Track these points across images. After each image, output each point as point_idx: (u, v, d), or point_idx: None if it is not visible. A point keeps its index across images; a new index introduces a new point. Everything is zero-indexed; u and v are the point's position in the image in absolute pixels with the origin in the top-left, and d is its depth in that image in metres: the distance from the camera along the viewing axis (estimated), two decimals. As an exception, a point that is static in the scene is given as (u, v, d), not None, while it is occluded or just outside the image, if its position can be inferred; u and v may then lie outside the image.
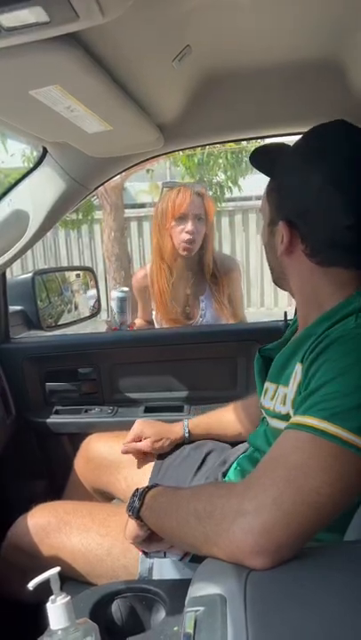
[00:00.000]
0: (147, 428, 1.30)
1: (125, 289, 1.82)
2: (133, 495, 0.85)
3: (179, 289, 1.83)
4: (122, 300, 1.78)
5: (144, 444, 1.27)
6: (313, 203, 0.77)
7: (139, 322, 2.01)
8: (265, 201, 0.91)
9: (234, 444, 1.23)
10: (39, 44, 0.63)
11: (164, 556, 0.88)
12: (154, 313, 1.93)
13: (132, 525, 0.85)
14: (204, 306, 1.86)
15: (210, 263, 1.83)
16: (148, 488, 0.84)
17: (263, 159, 0.93)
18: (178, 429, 1.30)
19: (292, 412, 0.77)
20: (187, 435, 1.29)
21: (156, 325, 1.94)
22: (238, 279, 1.95)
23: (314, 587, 0.55)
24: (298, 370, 0.77)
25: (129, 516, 0.84)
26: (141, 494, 0.83)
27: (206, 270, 1.84)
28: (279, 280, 0.93)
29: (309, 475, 0.61)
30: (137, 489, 0.85)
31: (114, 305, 1.78)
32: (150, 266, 1.90)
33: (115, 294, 1.79)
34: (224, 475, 1.10)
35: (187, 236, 1.73)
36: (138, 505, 0.82)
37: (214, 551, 0.64)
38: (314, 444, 0.62)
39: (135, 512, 0.82)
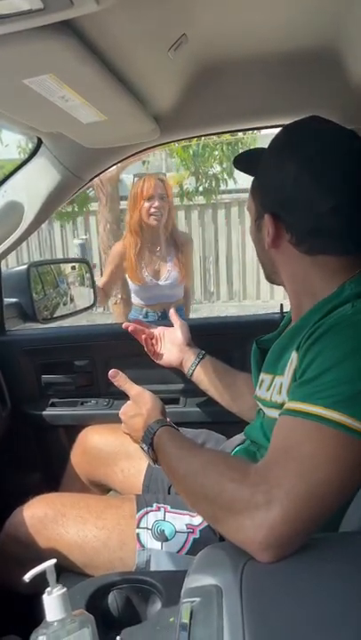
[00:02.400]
0: (166, 338, 1.37)
1: (84, 237, 2.50)
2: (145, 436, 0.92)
3: (149, 254, 2.38)
4: (82, 246, 2.46)
5: (155, 345, 1.37)
6: (291, 191, 0.79)
7: (101, 281, 2.47)
8: (250, 199, 0.93)
9: (229, 435, 1.23)
10: (33, 31, 0.62)
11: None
12: (127, 276, 2.43)
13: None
14: (170, 267, 2.39)
15: (173, 231, 2.41)
16: (153, 432, 0.90)
17: (246, 161, 0.96)
18: (189, 358, 1.32)
19: (287, 400, 0.77)
20: (191, 370, 1.31)
21: (130, 287, 2.44)
22: (191, 250, 2.60)
23: (310, 577, 0.56)
24: (293, 358, 0.77)
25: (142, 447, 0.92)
26: (149, 439, 0.89)
27: (170, 238, 2.39)
28: (271, 275, 0.94)
29: (320, 467, 0.61)
30: (149, 427, 0.92)
31: (77, 251, 2.46)
32: (125, 240, 2.43)
33: (76, 242, 2.41)
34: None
35: (154, 210, 2.30)
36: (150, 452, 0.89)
37: (222, 531, 0.66)
38: (322, 434, 0.62)
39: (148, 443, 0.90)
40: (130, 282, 2.42)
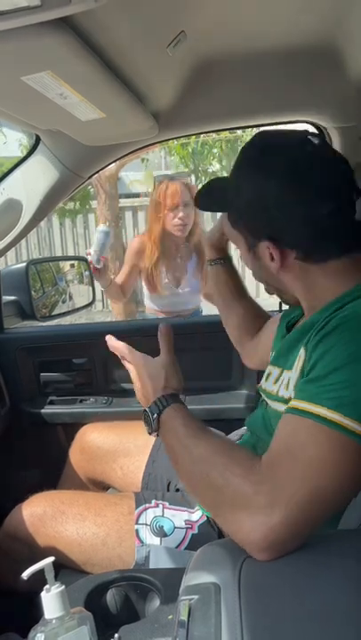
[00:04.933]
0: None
1: (108, 227, 2.13)
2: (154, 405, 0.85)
3: (169, 261, 2.17)
4: (106, 234, 2.04)
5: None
6: (280, 208, 0.77)
7: (118, 279, 2.26)
8: (233, 232, 0.90)
9: (228, 430, 1.22)
10: (31, 28, 0.62)
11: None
12: (143, 281, 2.22)
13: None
14: (191, 275, 2.20)
15: (199, 239, 2.14)
16: (165, 405, 0.84)
17: (212, 198, 0.93)
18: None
19: (293, 395, 0.76)
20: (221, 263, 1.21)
21: (145, 292, 2.23)
22: None
23: (308, 575, 0.56)
24: (301, 354, 0.76)
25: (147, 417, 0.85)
26: (159, 409, 0.84)
27: (194, 247, 2.18)
28: (287, 298, 0.91)
29: (323, 472, 0.61)
30: (163, 396, 0.85)
31: (98, 238, 2.02)
32: (144, 243, 2.18)
33: (101, 228, 2.06)
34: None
35: (179, 222, 2.07)
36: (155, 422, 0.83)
37: (220, 522, 0.66)
38: (326, 436, 0.62)
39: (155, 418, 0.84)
40: (145, 289, 2.25)
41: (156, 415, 0.83)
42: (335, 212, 0.76)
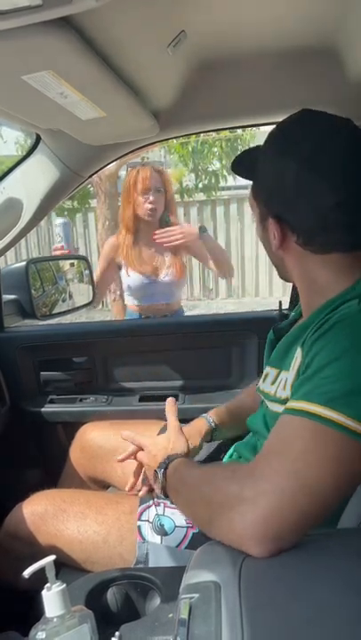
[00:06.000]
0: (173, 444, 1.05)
1: (66, 218, 2.43)
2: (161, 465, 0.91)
3: (145, 250, 2.17)
4: (65, 225, 2.35)
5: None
6: (293, 191, 0.77)
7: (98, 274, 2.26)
8: (252, 200, 0.91)
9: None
10: (32, 27, 0.62)
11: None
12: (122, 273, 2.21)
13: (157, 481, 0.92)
14: (169, 263, 2.17)
15: (175, 224, 2.12)
16: (170, 460, 0.90)
17: (243, 165, 0.94)
18: (201, 426, 1.19)
19: (290, 396, 0.77)
20: (213, 425, 1.19)
21: (124, 278, 2.20)
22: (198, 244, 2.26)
23: (308, 574, 0.56)
24: (298, 355, 0.77)
25: (157, 478, 0.91)
26: (165, 465, 0.90)
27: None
28: (285, 275, 0.92)
29: (311, 463, 0.61)
30: (168, 457, 0.92)
31: (59, 230, 2.42)
32: (119, 235, 2.22)
33: (59, 221, 2.36)
34: (219, 463, 1.11)
35: (149, 206, 2.08)
36: (162, 476, 0.89)
37: (216, 534, 0.65)
38: (315, 432, 0.62)
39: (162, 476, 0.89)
40: (124, 280, 2.21)
41: (163, 470, 0.89)
42: (342, 207, 0.75)
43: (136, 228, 2.14)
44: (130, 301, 2.25)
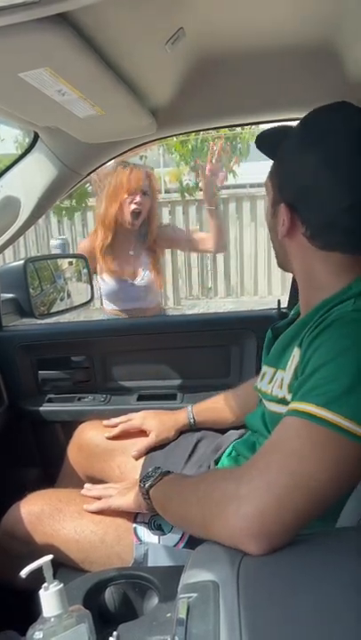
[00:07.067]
0: (149, 420, 1.30)
1: (63, 237, 2.56)
2: (150, 473, 0.93)
3: (121, 251, 2.16)
4: (62, 246, 2.77)
5: (150, 440, 1.26)
6: (311, 184, 0.77)
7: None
8: (268, 181, 0.90)
9: (225, 430, 1.23)
10: (29, 24, 0.61)
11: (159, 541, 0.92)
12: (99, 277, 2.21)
13: (137, 497, 0.93)
14: (145, 266, 2.18)
15: (153, 231, 2.17)
16: (165, 473, 0.91)
17: (267, 141, 0.92)
18: (182, 417, 1.29)
19: (288, 397, 0.77)
20: (192, 421, 1.28)
21: (99, 279, 2.20)
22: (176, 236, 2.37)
23: (306, 573, 0.56)
24: (296, 354, 0.77)
25: (140, 487, 0.92)
26: (158, 475, 0.91)
27: (149, 237, 2.17)
28: (284, 263, 0.93)
29: (304, 461, 0.62)
30: (157, 467, 0.94)
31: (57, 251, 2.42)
32: (92, 236, 2.23)
33: (54, 242, 2.77)
34: (216, 462, 1.11)
35: (135, 207, 2.07)
36: (152, 482, 0.90)
37: (211, 534, 0.65)
38: (310, 431, 0.63)
39: (146, 487, 0.91)
40: (102, 284, 2.20)
41: (145, 490, 0.92)
42: (353, 210, 0.76)
43: (116, 229, 2.12)
44: (108, 307, 2.25)
